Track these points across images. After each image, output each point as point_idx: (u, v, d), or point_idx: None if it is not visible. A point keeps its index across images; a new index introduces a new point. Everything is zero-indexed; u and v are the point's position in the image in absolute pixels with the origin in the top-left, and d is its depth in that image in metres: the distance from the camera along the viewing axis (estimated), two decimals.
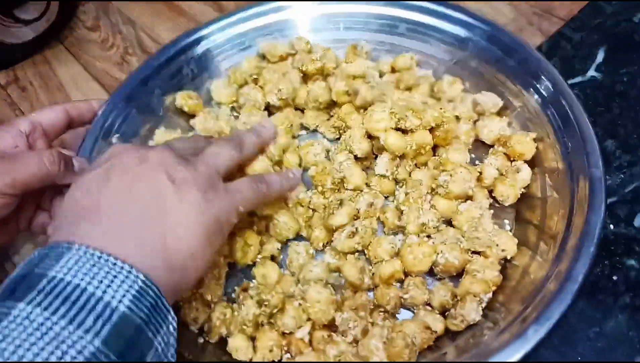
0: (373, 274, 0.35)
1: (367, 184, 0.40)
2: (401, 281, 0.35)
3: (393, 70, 0.46)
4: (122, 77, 0.55)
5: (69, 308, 0.21)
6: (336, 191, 0.39)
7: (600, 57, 0.49)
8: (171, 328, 0.24)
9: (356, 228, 0.36)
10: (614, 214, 0.40)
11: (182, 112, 0.45)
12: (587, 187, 0.34)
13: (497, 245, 0.35)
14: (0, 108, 0.54)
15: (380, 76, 0.46)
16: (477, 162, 0.41)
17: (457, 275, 0.36)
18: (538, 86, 0.39)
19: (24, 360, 0.19)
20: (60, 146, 0.42)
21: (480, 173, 0.39)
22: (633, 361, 0.33)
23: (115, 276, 0.22)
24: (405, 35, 0.47)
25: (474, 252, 0.36)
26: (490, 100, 0.41)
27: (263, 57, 0.48)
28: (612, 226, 0.39)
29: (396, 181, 0.40)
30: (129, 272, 0.23)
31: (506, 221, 0.38)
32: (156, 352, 0.23)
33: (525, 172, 0.38)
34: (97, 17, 0.62)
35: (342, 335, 0.33)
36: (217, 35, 0.48)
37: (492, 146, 0.41)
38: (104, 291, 0.22)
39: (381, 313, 0.34)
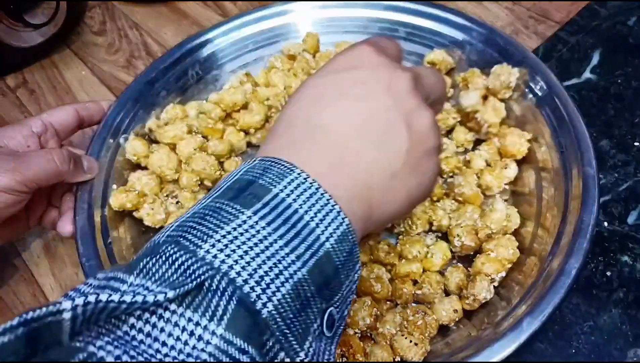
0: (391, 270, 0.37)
1: None
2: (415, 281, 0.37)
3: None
4: (129, 80, 0.56)
5: (287, 230, 0.21)
6: None
7: (595, 59, 0.50)
8: (356, 276, 0.24)
9: None
10: (608, 212, 0.40)
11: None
12: (581, 185, 0.35)
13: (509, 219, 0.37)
14: (10, 110, 0.55)
15: None
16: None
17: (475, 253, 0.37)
18: (533, 86, 0.41)
19: (249, 267, 0.20)
20: (68, 146, 0.43)
21: (469, 161, 0.41)
22: (626, 361, 0.34)
23: (327, 214, 0.22)
24: (405, 38, 0.48)
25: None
26: (468, 101, 0.42)
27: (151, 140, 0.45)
28: (606, 224, 0.40)
29: None
30: (338, 213, 0.23)
31: None
32: (341, 296, 0.23)
33: (512, 169, 0.40)
34: (103, 22, 0.64)
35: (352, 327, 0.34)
36: (221, 39, 0.49)
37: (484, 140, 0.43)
38: (317, 225, 0.22)
39: (388, 302, 0.35)
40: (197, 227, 0.21)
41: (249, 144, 0.46)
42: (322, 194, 0.23)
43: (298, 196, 0.22)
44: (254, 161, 0.24)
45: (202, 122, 0.44)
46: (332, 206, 0.23)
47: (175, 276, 0.19)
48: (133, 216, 0.40)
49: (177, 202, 0.42)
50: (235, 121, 0.45)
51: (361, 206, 0.24)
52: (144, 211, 0.40)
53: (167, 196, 0.42)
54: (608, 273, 0.38)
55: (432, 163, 0.26)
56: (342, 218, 0.23)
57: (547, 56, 0.51)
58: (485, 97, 0.43)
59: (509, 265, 0.35)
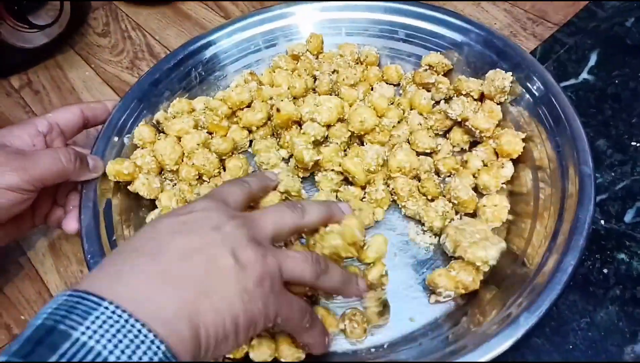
0: None
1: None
2: None
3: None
4: (132, 81, 0.57)
5: None
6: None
7: (593, 60, 0.51)
8: None
9: None
10: (605, 210, 0.41)
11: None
12: (578, 183, 0.35)
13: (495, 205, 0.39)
14: (14, 110, 0.56)
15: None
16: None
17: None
18: (530, 87, 0.41)
19: None
20: (72, 145, 0.44)
21: (466, 161, 0.41)
22: (622, 357, 0.35)
23: (137, 347, 0.22)
24: (405, 40, 0.49)
25: None
26: (454, 112, 0.43)
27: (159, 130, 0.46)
28: (603, 222, 0.40)
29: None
30: (152, 342, 0.22)
31: None
32: None
33: (508, 168, 0.40)
34: (107, 23, 0.64)
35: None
36: (224, 41, 0.50)
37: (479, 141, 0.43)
38: None
39: None
40: None
41: (251, 142, 0.47)
42: (132, 325, 0.22)
43: (102, 335, 0.21)
44: (65, 295, 0.23)
45: (209, 117, 0.44)
46: (145, 336, 0.22)
47: None
48: (138, 213, 0.41)
49: (174, 185, 0.43)
50: (239, 119, 0.46)
51: (189, 327, 0.23)
52: (139, 182, 0.40)
53: (164, 178, 0.43)
54: (605, 271, 0.38)
55: (258, 293, 0.26)
56: (157, 347, 0.22)
57: (545, 57, 0.52)
58: (481, 100, 0.43)
59: (463, 291, 0.35)
